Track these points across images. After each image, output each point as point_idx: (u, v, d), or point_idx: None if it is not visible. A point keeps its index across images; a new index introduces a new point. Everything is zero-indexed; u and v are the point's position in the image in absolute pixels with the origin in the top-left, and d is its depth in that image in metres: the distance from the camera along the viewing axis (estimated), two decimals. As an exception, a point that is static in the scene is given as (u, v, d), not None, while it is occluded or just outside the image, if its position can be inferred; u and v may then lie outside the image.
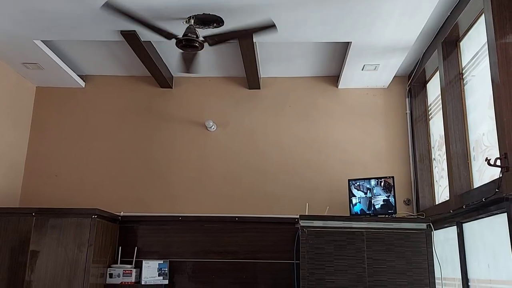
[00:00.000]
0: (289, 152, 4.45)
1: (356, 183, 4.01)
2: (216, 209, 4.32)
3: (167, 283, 4.03)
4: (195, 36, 3.19)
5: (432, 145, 4.20)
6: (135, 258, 4.11)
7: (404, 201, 4.25)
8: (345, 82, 4.47)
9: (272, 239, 4.16)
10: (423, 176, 4.20)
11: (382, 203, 3.86)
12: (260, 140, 4.51)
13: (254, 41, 3.65)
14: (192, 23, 3.27)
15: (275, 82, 4.65)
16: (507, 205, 2.47)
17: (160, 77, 4.44)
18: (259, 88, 4.62)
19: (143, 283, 3.96)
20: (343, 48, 4.03)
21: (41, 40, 3.86)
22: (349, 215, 3.97)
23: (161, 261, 4.07)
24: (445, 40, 3.49)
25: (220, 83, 4.68)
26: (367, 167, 4.34)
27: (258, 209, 4.28)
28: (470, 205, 2.91)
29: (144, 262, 4.02)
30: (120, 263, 4.07)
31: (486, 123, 2.99)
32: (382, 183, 3.91)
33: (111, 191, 4.41)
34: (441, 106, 3.61)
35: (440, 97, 3.65)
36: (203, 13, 3.24)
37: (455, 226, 3.26)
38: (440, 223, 3.55)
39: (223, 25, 3.34)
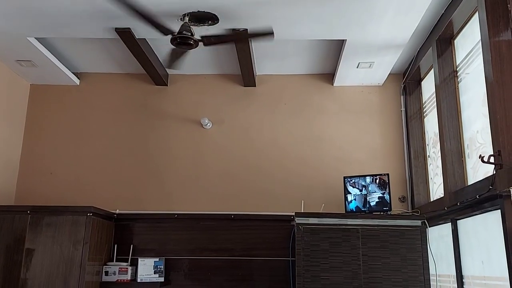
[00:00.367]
0: (285, 150, 4.46)
1: (351, 180, 4.02)
2: (212, 207, 4.32)
3: (163, 280, 4.03)
4: (189, 34, 3.18)
5: (426, 143, 4.22)
6: (131, 255, 4.11)
7: (399, 198, 4.27)
8: (340, 79, 4.48)
9: (268, 236, 4.17)
10: (418, 173, 4.22)
11: (377, 200, 3.88)
12: (256, 137, 4.52)
13: (249, 38, 3.64)
14: (187, 21, 3.26)
15: (270, 79, 4.65)
16: (501, 202, 2.49)
17: (155, 75, 4.43)
18: (255, 86, 4.62)
19: (139, 280, 3.96)
20: (338, 46, 4.03)
21: (35, 38, 3.84)
22: (344, 212, 3.98)
23: (157, 259, 4.07)
24: (439, 37, 3.50)
25: (215, 81, 4.67)
26: (362, 164, 4.35)
27: (254, 207, 4.29)
28: (464, 202, 2.93)
29: (139, 259, 4.02)
30: (116, 261, 4.07)
31: (480, 120, 3.00)
32: (377, 180, 3.92)
33: (106, 189, 4.40)
34: (435, 103, 3.62)
35: (434, 94, 3.66)
36: (198, 11, 3.23)
37: (450, 223, 3.28)
38: (435, 220, 3.57)
39: (218, 22, 3.33)
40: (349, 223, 3.69)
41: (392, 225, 3.68)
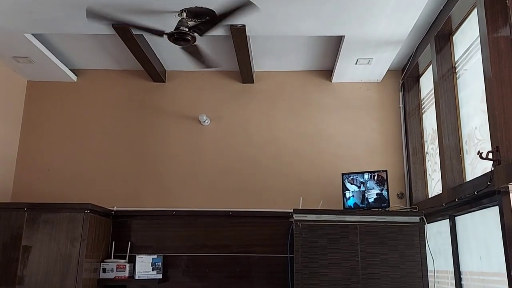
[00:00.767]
0: (283, 146, 4.45)
1: (349, 177, 4.02)
2: (210, 204, 4.31)
3: (161, 277, 4.02)
4: (187, 30, 3.17)
5: (425, 139, 4.22)
6: (129, 252, 4.10)
7: (397, 194, 4.27)
8: (338, 76, 4.47)
9: (266, 233, 4.17)
10: (416, 169, 4.22)
11: (376, 196, 3.88)
12: (254, 134, 4.51)
13: (247, 35, 3.63)
14: (184, 16, 3.25)
15: (268, 76, 4.64)
16: (499, 198, 2.49)
17: (153, 71, 4.41)
18: (253, 82, 4.61)
19: (136, 277, 3.96)
20: (336, 42, 4.02)
21: (32, 34, 3.81)
22: (342, 208, 3.98)
23: (155, 256, 4.06)
24: (438, 34, 3.49)
25: (213, 77, 4.66)
26: (361, 161, 4.35)
27: (252, 203, 4.28)
28: (462, 198, 2.93)
29: (137, 256, 4.01)
30: (114, 258, 4.06)
31: (479, 116, 3.00)
32: (376, 177, 3.92)
33: (104, 186, 4.39)
34: (434, 100, 3.62)
35: (433, 91, 3.66)
36: (195, 6, 3.22)
37: (448, 219, 3.28)
38: (433, 216, 3.57)
39: (215, 17, 3.31)
40: (347, 219, 3.69)
41: (390, 222, 3.68)
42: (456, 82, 3.40)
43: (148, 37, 3.94)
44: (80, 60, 4.53)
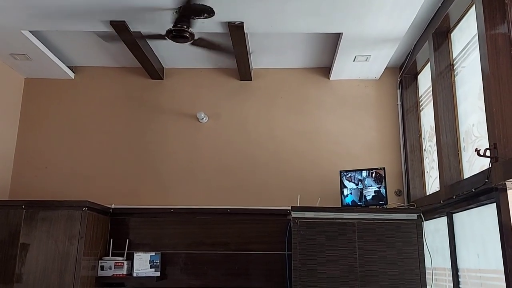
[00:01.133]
0: (281, 144, 4.45)
1: (347, 174, 4.02)
2: (208, 201, 4.31)
3: (159, 275, 4.02)
4: (185, 27, 3.16)
5: (423, 136, 4.22)
6: (127, 250, 4.10)
7: (395, 192, 4.28)
8: (336, 73, 4.46)
9: (264, 230, 4.17)
10: (414, 167, 4.22)
11: (373, 194, 3.88)
12: (252, 131, 4.50)
13: (245, 32, 3.63)
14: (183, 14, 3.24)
15: (266, 73, 4.63)
16: (496, 195, 2.49)
17: (151, 68, 4.41)
18: (251, 80, 4.60)
19: (135, 275, 3.95)
20: (334, 39, 4.02)
21: (29, 31, 3.80)
22: (340, 206, 3.98)
23: (153, 253, 4.06)
24: (436, 31, 3.49)
25: (211, 75, 4.65)
26: (359, 158, 4.35)
27: (250, 201, 4.28)
28: (460, 195, 2.93)
29: (135, 254, 4.01)
30: (112, 256, 4.06)
31: (476, 114, 3.00)
32: (373, 174, 3.92)
33: (102, 183, 4.38)
34: (432, 97, 3.62)
35: (431, 88, 3.66)
36: (193, 3, 3.21)
37: (445, 217, 3.28)
38: (431, 214, 3.58)
39: (213, 15, 3.31)
40: (345, 217, 3.69)
41: (388, 219, 3.68)
42: (454, 80, 3.40)
43: (145, 34, 3.93)
44: (77, 58, 4.52)
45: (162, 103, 4.59)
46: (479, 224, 2.85)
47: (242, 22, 3.48)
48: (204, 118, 4.49)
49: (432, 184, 3.92)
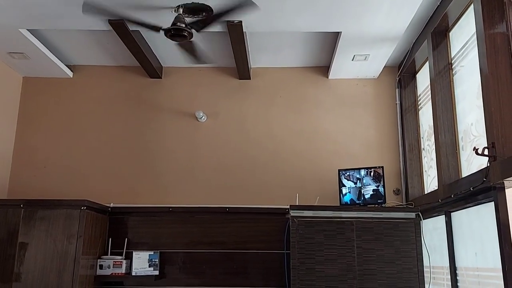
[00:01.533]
0: (280, 143, 4.45)
1: (346, 173, 4.03)
2: (206, 200, 4.31)
3: (157, 274, 4.02)
4: (184, 25, 3.16)
5: (421, 135, 4.23)
6: (125, 249, 4.10)
7: (393, 191, 4.28)
8: (335, 72, 4.47)
9: (263, 229, 4.17)
10: (412, 166, 4.23)
11: (372, 193, 3.89)
12: (251, 130, 4.50)
13: (244, 30, 3.62)
14: (181, 12, 3.24)
15: (265, 72, 4.63)
16: (494, 194, 2.50)
17: (149, 67, 4.40)
18: (250, 79, 4.60)
19: (133, 274, 3.95)
20: (333, 38, 4.02)
21: (27, 29, 3.79)
22: (339, 205, 3.99)
23: (152, 252, 4.06)
24: (434, 30, 3.49)
25: (210, 73, 4.65)
26: (357, 157, 4.35)
27: (249, 200, 4.28)
28: (458, 194, 2.94)
29: (134, 253, 4.01)
30: (110, 255, 4.06)
31: (474, 113, 3.01)
32: (372, 173, 3.93)
33: (100, 182, 4.38)
34: (430, 96, 3.62)
35: (429, 87, 3.66)
36: (192, 2, 3.20)
37: (444, 215, 3.29)
38: (429, 213, 3.59)
39: (212, 14, 3.30)
40: (343, 215, 3.70)
41: (387, 218, 3.69)
42: (453, 79, 3.41)
43: (144, 33, 3.93)
44: (76, 56, 4.51)
45: (161, 102, 4.59)
46: (477, 223, 2.86)
47: (241, 21, 3.47)
48: (203, 117, 4.49)
49: (431, 183, 3.93)
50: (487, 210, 2.69)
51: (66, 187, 4.36)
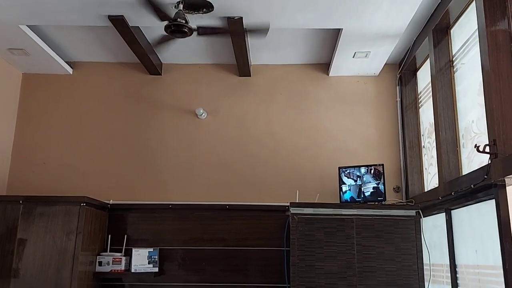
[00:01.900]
0: (280, 140, 4.44)
1: (346, 170, 4.02)
2: (206, 197, 4.31)
3: (157, 270, 4.02)
4: (184, 22, 3.14)
5: (421, 133, 4.22)
6: (125, 246, 4.09)
7: (393, 188, 4.28)
8: (336, 69, 4.45)
9: (263, 226, 4.17)
10: (413, 163, 4.22)
11: (372, 190, 3.88)
12: (251, 128, 4.49)
13: (244, 27, 3.61)
14: (181, 8, 3.22)
15: (266, 69, 4.62)
16: (495, 192, 2.49)
17: (149, 64, 4.39)
18: (250, 76, 4.59)
19: (133, 271, 3.95)
20: (334, 35, 4.01)
21: (27, 25, 3.78)
22: (339, 202, 3.98)
23: (151, 249, 4.06)
24: (435, 27, 3.48)
25: (210, 70, 4.63)
26: (357, 154, 4.35)
27: (249, 197, 4.28)
28: (459, 191, 2.93)
29: (134, 250, 4.01)
30: (110, 251, 4.05)
31: (476, 110, 3.00)
32: (372, 171, 3.92)
33: (100, 179, 4.37)
34: (431, 93, 3.62)
35: (430, 84, 3.65)
36: (193, -2, 3.19)
37: (444, 213, 3.28)
38: (429, 210, 3.58)
39: (212, 10, 3.29)
40: (344, 213, 3.69)
41: (387, 215, 3.68)
42: (454, 76, 3.40)
43: (144, 29, 3.91)
44: (75, 53, 4.50)
45: (161, 99, 4.58)
46: (477, 221, 2.85)
47: (241, 17, 3.46)
48: (203, 114, 4.47)
49: (431, 180, 3.92)
50: (487, 208, 2.69)
51: (65, 183, 4.35)
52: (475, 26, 2.85)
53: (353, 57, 4.15)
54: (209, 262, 4.11)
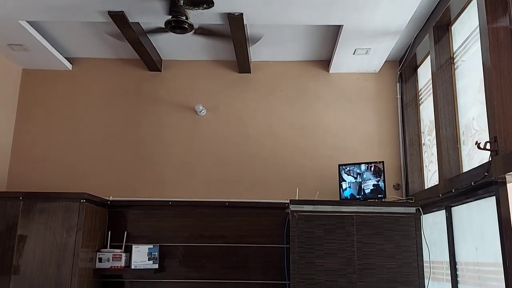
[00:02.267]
0: (280, 137, 4.44)
1: (346, 168, 4.01)
2: (206, 194, 4.30)
3: (157, 267, 4.02)
4: (184, 18, 3.14)
5: (422, 130, 4.21)
6: (125, 242, 4.09)
7: (393, 185, 4.28)
8: (336, 66, 4.44)
9: (263, 223, 4.17)
10: (413, 161, 4.22)
11: (372, 187, 3.88)
12: (251, 124, 4.49)
13: (244, 23, 3.60)
14: (182, 4, 3.21)
15: (266, 66, 4.61)
16: (496, 189, 2.49)
17: (149, 60, 4.38)
18: (250, 72, 4.58)
19: (133, 267, 3.95)
20: (334, 32, 4.00)
21: (27, 21, 3.76)
22: (339, 199, 3.98)
23: (151, 246, 4.06)
24: (436, 24, 3.47)
25: (210, 67, 4.62)
26: (357, 152, 4.34)
27: (249, 194, 4.28)
28: (459, 189, 2.93)
29: (134, 246, 4.00)
30: (110, 248, 4.05)
31: (476, 107, 2.99)
32: (372, 168, 3.92)
33: (100, 176, 4.37)
34: (431, 91, 3.61)
35: (430, 81, 3.65)
36: (193, -6, 3.18)
37: (444, 210, 3.28)
38: (429, 207, 3.58)
39: (213, 6, 3.28)
40: (343, 210, 3.69)
41: (387, 212, 3.69)
42: (454, 73, 3.39)
43: (144, 25, 3.90)
44: (75, 48, 4.48)
45: (160, 95, 4.57)
46: (477, 218, 2.85)
47: (242, 14, 3.45)
48: (203, 111, 4.47)
49: (431, 178, 3.92)
50: (487, 205, 2.69)
51: (65, 179, 4.35)
52: (476, 23, 2.84)
53: (354, 54, 4.14)
54: (209, 259, 4.11)
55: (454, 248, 3.15)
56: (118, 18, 3.53)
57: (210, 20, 3.54)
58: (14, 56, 4.35)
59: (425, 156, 4.13)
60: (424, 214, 3.66)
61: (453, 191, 3.02)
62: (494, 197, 2.53)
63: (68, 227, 3.67)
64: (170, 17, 3.18)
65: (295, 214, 3.68)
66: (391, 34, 3.78)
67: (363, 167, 3.95)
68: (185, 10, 3.20)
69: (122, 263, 3.93)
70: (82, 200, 3.71)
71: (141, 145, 4.46)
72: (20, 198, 3.73)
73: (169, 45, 4.32)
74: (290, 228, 3.70)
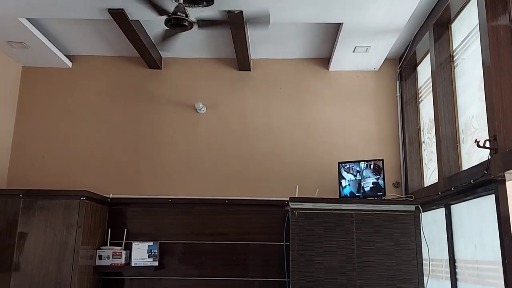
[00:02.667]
0: (280, 135, 4.44)
1: (346, 165, 4.02)
2: (206, 192, 4.31)
3: (157, 264, 4.03)
4: (184, 15, 3.13)
5: (421, 128, 4.22)
6: (125, 240, 4.10)
7: (393, 183, 4.28)
8: (336, 64, 4.44)
9: (262, 221, 4.18)
10: (412, 159, 4.22)
11: (372, 185, 3.89)
12: (251, 122, 4.49)
13: (244, 21, 3.59)
14: (182, 2, 3.20)
15: (266, 63, 4.61)
16: (495, 187, 2.49)
17: (149, 58, 4.38)
18: (250, 70, 4.58)
19: (133, 264, 3.96)
20: (334, 30, 3.99)
21: (27, 18, 3.76)
22: (338, 197, 3.99)
23: (151, 243, 4.06)
24: (436, 22, 3.47)
25: (210, 64, 4.62)
26: (357, 149, 4.35)
27: (248, 192, 4.28)
28: (458, 187, 2.93)
29: (134, 243, 4.01)
30: (110, 245, 4.06)
31: (476, 105, 3.00)
32: (372, 166, 3.92)
33: (99, 173, 4.37)
34: (431, 88, 3.61)
35: (430, 79, 3.65)
36: (193, -8, 3.18)
37: (443, 208, 3.29)
38: (429, 205, 3.59)
39: (213, 3, 3.27)
40: (343, 208, 3.70)
41: (386, 210, 3.69)
42: (454, 71, 3.39)
43: (144, 22, 3.90)
44: (75, 46, 4.48)
45: (160, 93, 4.57)
46: (477, 216, 2.86)
47: (242, 11, 3.45)
48: (203, 109, 4.47)
49: (431, 176, 3.92)
50: (487, 203, 2.69)
51: (65, 177, 4.35)
52: (476, 21, 2.84)
53: (353, 51, 4.14)
54: (209, 256, 4.12)
55: (453, 246, 3.16)
56: (118, 16, 3.52)
57: (210, 18, 3.53)
58: (14, 54, 4.35)
59: (424, 154, 4.14)
60: (423, 212, 3.67)
61: (452, 189, 3.02)
62: (493, 195, 2.54)
63: (68, 224, 3.68)
64: (170, 14, 3.17)
65: (294, 211, 3.68)
66: (391, 32, 3.77)
67: (362, 165, 3.96)
68: (185, 8, 3.19)
69: (122, 261, 3.94)
70: (82, 198, 3.72)
71: (141, 143, 4.46)
72: (20, 195, 3.73)
73: (171, 45, 4.30)
74: (289, 225, 3.70)
